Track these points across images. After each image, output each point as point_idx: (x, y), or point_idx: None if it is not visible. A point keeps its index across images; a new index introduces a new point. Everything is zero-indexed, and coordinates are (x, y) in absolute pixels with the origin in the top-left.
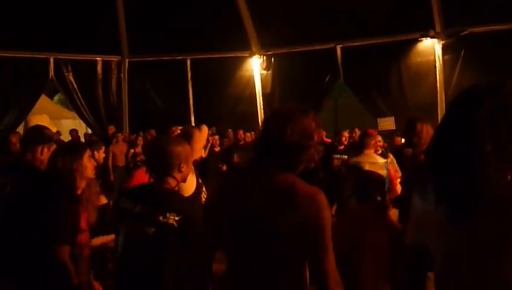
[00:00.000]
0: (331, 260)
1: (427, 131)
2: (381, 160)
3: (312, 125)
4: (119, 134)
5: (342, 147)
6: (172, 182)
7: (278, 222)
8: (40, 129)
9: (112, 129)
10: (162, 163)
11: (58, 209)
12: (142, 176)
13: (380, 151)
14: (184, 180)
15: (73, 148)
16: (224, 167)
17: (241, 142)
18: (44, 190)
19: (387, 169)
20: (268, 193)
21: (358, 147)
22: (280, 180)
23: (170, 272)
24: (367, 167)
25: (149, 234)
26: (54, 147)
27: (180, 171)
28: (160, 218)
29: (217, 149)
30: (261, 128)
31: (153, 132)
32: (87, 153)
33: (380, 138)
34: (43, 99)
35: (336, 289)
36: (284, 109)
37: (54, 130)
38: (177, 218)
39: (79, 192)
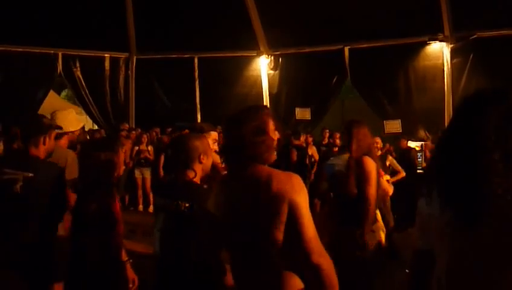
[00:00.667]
0: (312, 234)
1: (364, 135)
2: None
3: (263, 121)
4: (133, 131)
5: (336, 149)
6: (190, 174)
7: (265, 210)
8: (39, 119)
9: (125, 126)
10: (181, 157)
11: (88, 201)
12: None
13: (379, 153)
14: (207, 171)
15: (111, 142)
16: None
17: None
18: (60, 183)
19: None
20: (250, 185)
21: (341, 147)
22: (257, 173)
23: (189, 261)
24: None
25: (170, 225)
26: (54, 134)
27: (200, 163)
28: (173, 207)
29: None
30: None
31: (157, 129)
32: (121, 146)
33: (378, 140)
34: (50, 95)
35: (320, 261)
36: (237, 113)
37: (80, 125)
38: (187, 205)
39: (114, 184)
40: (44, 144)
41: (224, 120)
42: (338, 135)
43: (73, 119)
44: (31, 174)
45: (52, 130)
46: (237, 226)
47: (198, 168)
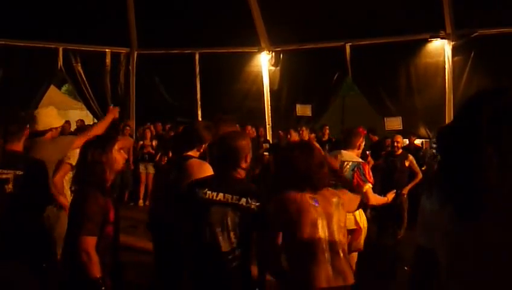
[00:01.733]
0: None
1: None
2: (351, 160)
3: (323, 157)
4: (127, 127)
5: None
6: (242, 173)
7: (341, 219)
8: (20, 115)
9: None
10: (231, 157)
11: (83, 200)
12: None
13: (400, 152)
14: (247, 169)
15: (102, 142)
16: None
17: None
18: (46, 178)
19: (354, 171)
20: (330, 203)
21: (343, 143)
22: (329, 194)
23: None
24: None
25: (234, 219)
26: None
27: (246, 162)
28: (243, 203)
29: None
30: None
31: (159, 125)
32: (116, 146)
33: (400, 139)
34: (51, 90)
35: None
36: (299, 152)
37: (62, 121)
38: (257, 204)
39: (108, 184)
40: (25, 137)
41: (285, 155)
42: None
43: (56, 116)
44: (21, 172)
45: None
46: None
47: (244, 166)
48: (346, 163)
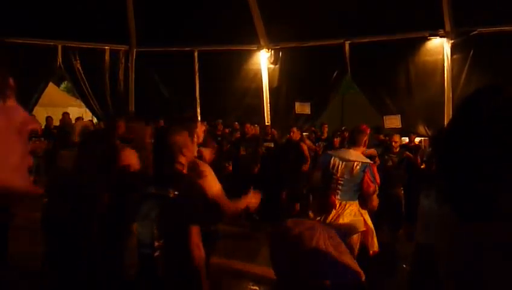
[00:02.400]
0: None
1: (140, 129)
2: (360, 160)
3: None
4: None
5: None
6: (179, 166)
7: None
8: None
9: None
10: (166, 152)
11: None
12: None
13: (398, 149)
14: (190, 160)
15: (107, 135)
16: (230, 167)
17: (248, 135)
18: None
19: (364, 172)
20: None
21: (349, 142)
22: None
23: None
24: (337, 162)
25: (157, 210)
26: None
27: (184, 155)
28: (165, 193)
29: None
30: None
31: (161, 122)
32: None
33: (397, 139)
34: (50, 87)
35: None
36: None
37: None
38: (176, 192)
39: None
40: None
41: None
42: (346, 133)
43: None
44: None
45: None
46: None
47: (183, 160)
48: (356, 164)
